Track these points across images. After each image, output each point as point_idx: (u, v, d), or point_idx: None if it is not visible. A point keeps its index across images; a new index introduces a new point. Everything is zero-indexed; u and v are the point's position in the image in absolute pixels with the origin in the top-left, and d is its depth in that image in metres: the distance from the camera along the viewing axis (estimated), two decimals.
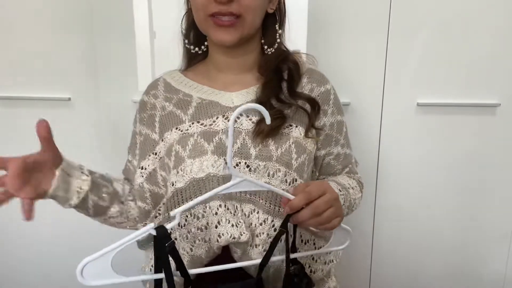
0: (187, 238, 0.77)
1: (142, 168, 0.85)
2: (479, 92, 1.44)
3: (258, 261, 0.70)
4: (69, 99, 1.52)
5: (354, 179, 0.93)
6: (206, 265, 0.76)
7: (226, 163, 0.76)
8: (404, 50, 1.41)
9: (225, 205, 0.75)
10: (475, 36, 1.39)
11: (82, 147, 1.56)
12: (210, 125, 0.79)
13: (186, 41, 0.89)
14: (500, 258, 1.59)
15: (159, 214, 0.86)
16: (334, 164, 0.91)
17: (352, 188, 0.87)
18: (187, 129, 0.79)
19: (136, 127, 0.89)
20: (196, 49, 0.89)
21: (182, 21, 0.89)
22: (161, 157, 0.83)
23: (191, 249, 0.77)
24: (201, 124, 0.79)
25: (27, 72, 1.51)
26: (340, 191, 0.79)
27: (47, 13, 1.46)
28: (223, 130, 0.78)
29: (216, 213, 0.75)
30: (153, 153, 0.85)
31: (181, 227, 0.78)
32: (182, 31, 0.89)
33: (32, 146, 1.73)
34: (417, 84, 1.44)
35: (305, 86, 0.85)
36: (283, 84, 0.83)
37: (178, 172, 0.77)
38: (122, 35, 1.40)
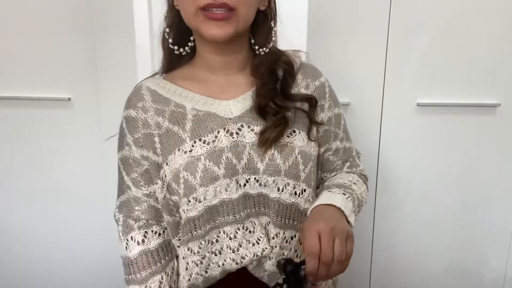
0: (201, 263, 0.76)
1: (162, 180, 0.78)
2: (479, 92, 1.44)
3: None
4: (69, 99, 1.52)
5: (355, 173, 0.88)
6: (219, 281, 0.77)
7: (237, 182, 0.74)
8: (404, 50, 1.41)
9: (243, 227, 0.74)
10: (475, 36, 1.39)
11: (82, 147, 1.56)
12: (213, 141, 0.74)
13: (171, 40, 0.80)
14: (500, 257, 1.59)
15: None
16: (333, 160, 0.87)
17: (354, 183, 0.83)
18: (191, 150, 0.74)
19: (133, 152, 0.79)
20: (181, 50, 0.81)
21: (165, 20, 0.82)
22: (168, 182, 0.77)
23: (206, 272, 0.76)
24: (204, 142, 0.74)
25: (27, 72, 1.51)
26: (345, 193, 0.76)
27: (47, 13, 1.46)
28: (228, 147, 0.74)
29: (235, 237, 0.73)
30: (159, 179, 0.78)
31: (194, 254, 0.76)
32: (165, 30, 0.81)
33: (32, 146, 1.72)
34: (417, 84, 1.44)
35: (301, 83, 0.82)
36: (278, 87, 0.80)
37: (189, 201, 0.74)
38: (122, 35, 1.40)
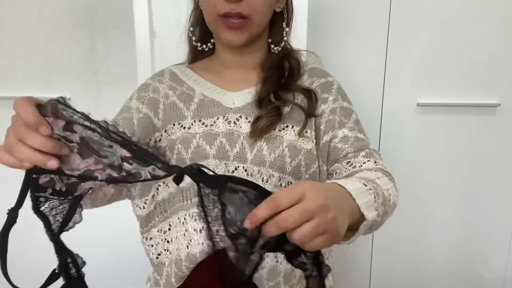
0: (184, 236, 0.78)
1: (155, 142, 0.83)
2: (479, 92, 1.44)
3: None
4: (69, 99, 1.52)
5: (378, 170, 0.75)
6: (201, 262, 0.76)
7: (226, 167, 0.76)
8: (404, 50, 1.41)
9: None
10: (475, 36, 1.39)
11: None
12: (211, 125, 0.80)
13: (194, 38, 0.90)
14: (501, 257, 1.59)
15: (145, 203, 0.82)
16: (342, 147, 0.76)
17: (378, 178, 0.69)
18: (190, 127, 0.80)
19: (132, 103, 0.83)
20: (204, 46, 0.90)
21: (190, 18, 0.90)
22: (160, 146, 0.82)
23: (187, 247, 0.77)
24: (203, 124, 0.81)
25: (27, 72, 1.51)
26: (366, 184, 0.60)
27: (47, 13, 1.46)
28: (223, 133, 0.79)
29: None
30: (153, 139, 0.82)
31: (182, 224, 0.78)
32: (189, 28, 0.90)
33: None
34: (417, 84, 1.44)
35: (306, 82, 0.86)
36: (282, 80, 0.84)
37: None
38: (122, 35, 1.40)
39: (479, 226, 1.56)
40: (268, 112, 0.78)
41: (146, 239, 0.85)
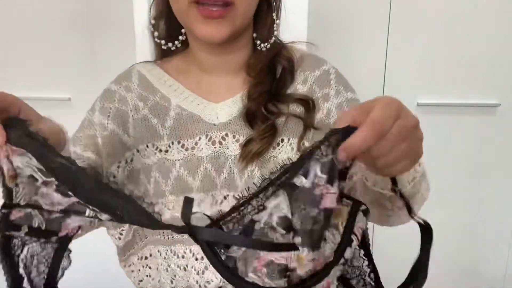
0: (167, 271, 0.71)
1: (113, 177, 0.69)
2: (479, 92, 1.44)
3: None
4: (69, 99, 1.52)
5: None
6: None
7: (214, 198, 0.65)
8: (404, 50, 1.41)
9: None
10: (475, 36, 1.39)
11: None
12: (192, 148, 0.67)
13: (156, 33, 0.71)
14: (500, 257, 1.60)
15: (121, 234, 0.72)
16: None
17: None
18: (167, 151, 0.67)
19: (95, 117, 0.71)
20: (169, 44, 0.72)
21: (151, 8, 0.73)
22: (132, 168, 0.70)
23: (172, 282, 0.71)
24: (182, 146, 0.67)
25: (27, 72, 1.51)
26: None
27: (47, 13, 1.46)
28: (208, 157, 0.67)
29: (203, 258, 0.66)
30: (124, 160, 0.69)
31: (163, 258, 0.71)
32: (151, 22, 0.71)
33: None
34: (417, 84, 1.44)
35: (298, 78, 0.71)
36: (273, 86, 0.69)
37: (157, 203, 0.69)
38: (122, 35, 1.40)
39: (479, 226, 1.56)
40: (262, 133, 0.65)
41: (125, 266, 0.75)
